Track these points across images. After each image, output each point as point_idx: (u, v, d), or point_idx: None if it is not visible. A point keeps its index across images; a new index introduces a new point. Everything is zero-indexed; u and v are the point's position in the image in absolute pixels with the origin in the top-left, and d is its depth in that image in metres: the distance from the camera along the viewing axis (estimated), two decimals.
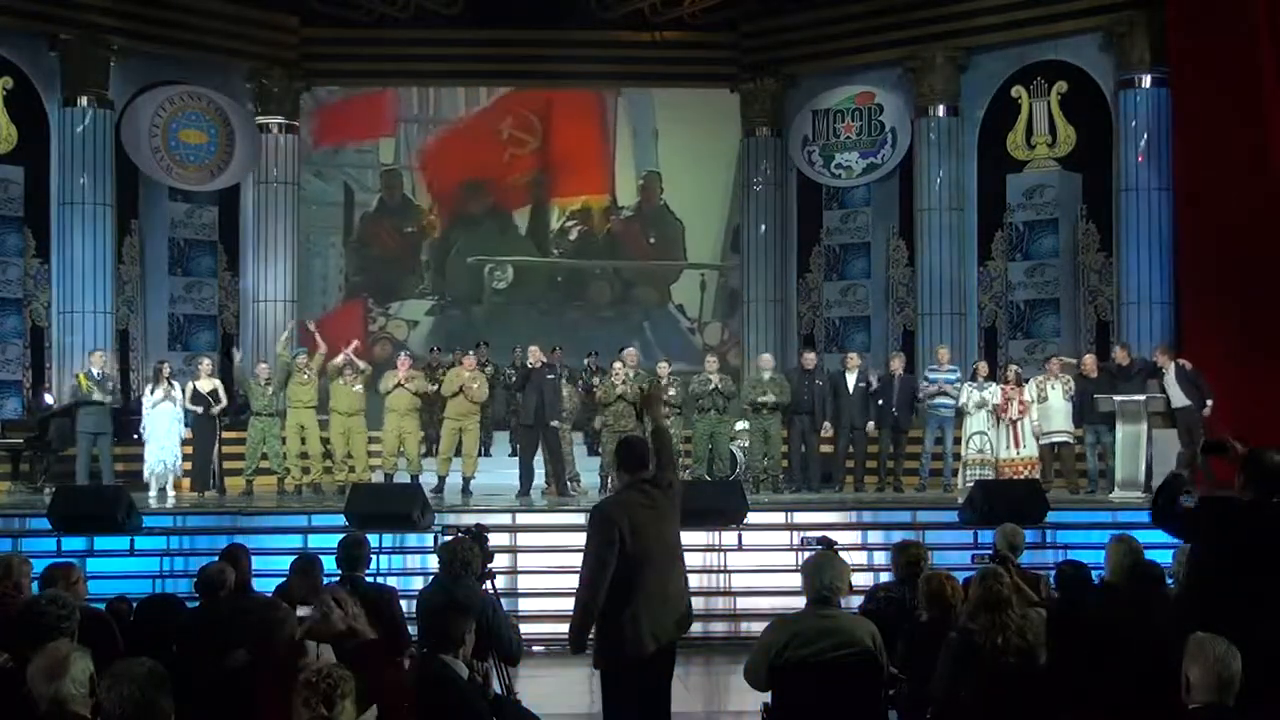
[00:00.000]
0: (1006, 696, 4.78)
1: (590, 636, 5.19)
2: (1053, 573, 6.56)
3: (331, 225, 14.63)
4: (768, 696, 5.08)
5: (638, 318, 13.87)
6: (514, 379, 13.98)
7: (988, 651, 4.82)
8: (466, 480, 13.24)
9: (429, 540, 10.08)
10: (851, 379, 13.89)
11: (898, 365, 14.22)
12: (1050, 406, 13.18)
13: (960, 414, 13.69)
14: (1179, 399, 12.84)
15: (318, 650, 5.09)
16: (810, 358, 14.21)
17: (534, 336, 13.47)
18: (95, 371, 13.54)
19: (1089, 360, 13.63)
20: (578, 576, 5.23)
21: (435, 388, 13.59)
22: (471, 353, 13.97)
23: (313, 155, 14.61)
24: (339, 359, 13.49)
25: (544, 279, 13.87)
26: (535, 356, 13.02)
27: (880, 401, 13.91)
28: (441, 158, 14.06)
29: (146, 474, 13.26)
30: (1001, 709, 4.78)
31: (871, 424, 13.86)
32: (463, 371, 13.29)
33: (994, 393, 13.31)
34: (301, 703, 3.44)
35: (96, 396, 13.35)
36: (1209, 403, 12.80)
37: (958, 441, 13.81)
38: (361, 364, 13.67)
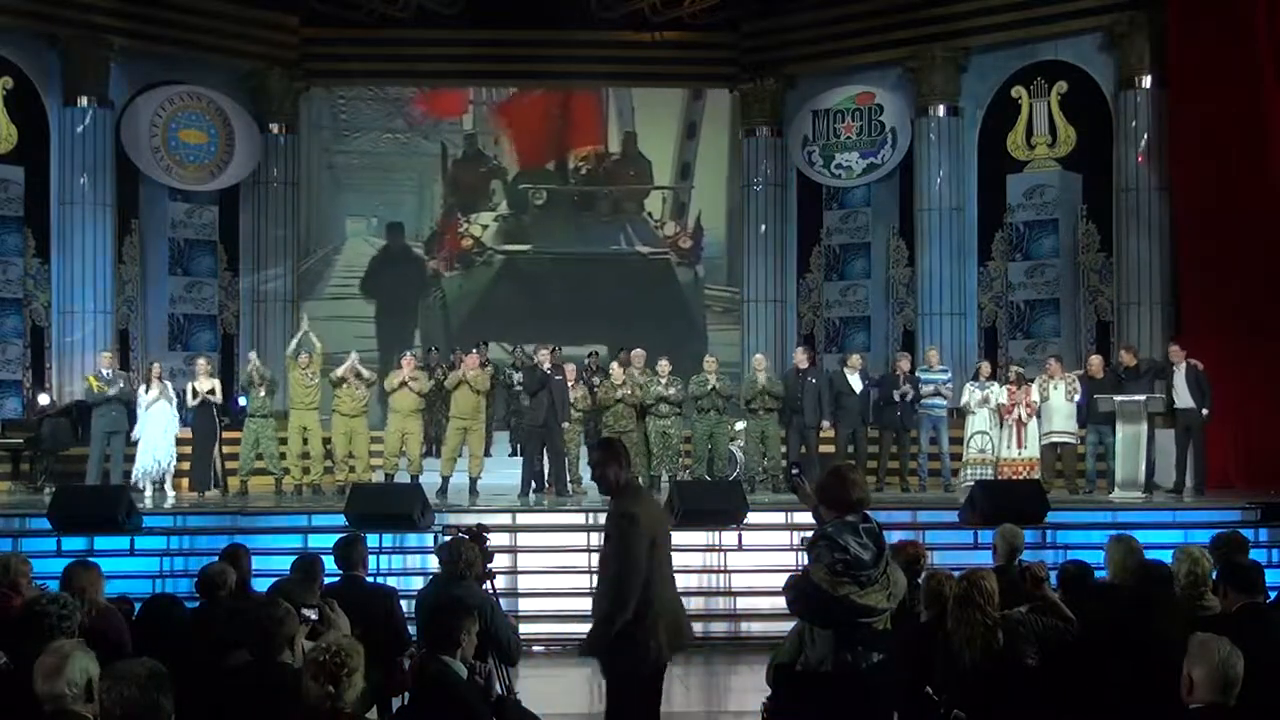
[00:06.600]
0: (975, 693, 4.81)
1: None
2: (1054, 573, 6.55)
3: (434, 169, 19.16)
4: (767, 696, 5.08)
5: (623, 220, 19.31)
6: (521, 380, 13.93)
7: (955, 648, 4.88)
8: (473, 480, 13.17)
9: (429, 540, 10.10)
10: (855, 379, 13.90)
11: (904, 365, 14.18)
12: (1051, 406, 13.10)
13: (956, 413, 13.66)
14: (1184, 399, 12.80)
15: None
16: (800, 354, 14.20)
17: (561, 235, 19.31)
18: (104, 372, 13.54)
19: (1095, 361, 13.57)
20: (602, 581, 5.10)
21: (435, 384, 13.62)
22: (474, 351, 14.00)
23: (420, 125, 19.08)
24: (341, 370, 13.47)
25: (566, 198, 19.35)
26: (545, 358, 12.99)
27: (881, 402, 13.93)
28: (511, 127, 19.73)
29: (136, 473, 13.12)
30: (973, 705, 4.81)
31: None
32: (467, 372, 13.29)
33: (1000, 393, 13.26)
34: (310, 677, 3.53)
35: (111, 392, 13.27)
36: (1205, 411, 12.77)
37: (954, 441, 13.80)
38: (367, 373, 13.66)
